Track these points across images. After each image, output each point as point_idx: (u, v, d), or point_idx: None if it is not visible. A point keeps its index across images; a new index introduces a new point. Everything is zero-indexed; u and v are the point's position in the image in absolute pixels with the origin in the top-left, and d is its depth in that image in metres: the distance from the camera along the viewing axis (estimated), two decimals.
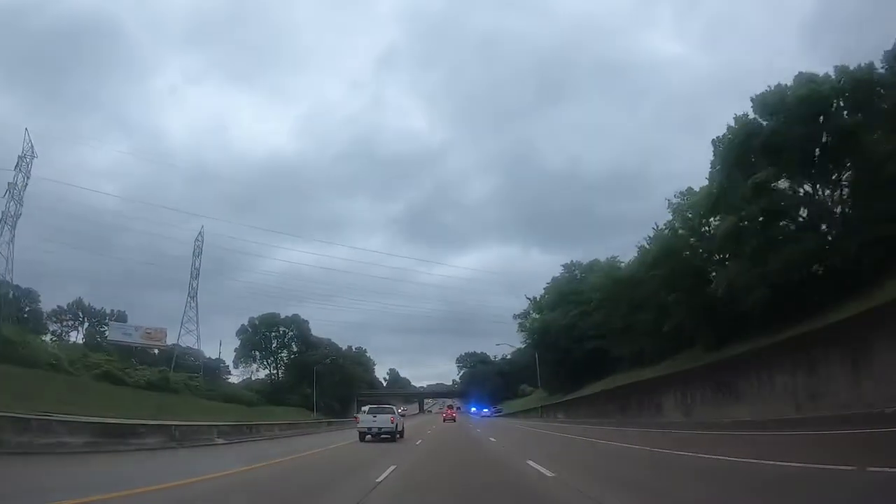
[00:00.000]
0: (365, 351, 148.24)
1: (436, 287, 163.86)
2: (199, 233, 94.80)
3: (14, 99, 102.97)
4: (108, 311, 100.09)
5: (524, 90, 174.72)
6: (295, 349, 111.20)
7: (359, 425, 23.55)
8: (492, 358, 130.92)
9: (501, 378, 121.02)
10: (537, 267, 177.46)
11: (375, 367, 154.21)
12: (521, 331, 74.13)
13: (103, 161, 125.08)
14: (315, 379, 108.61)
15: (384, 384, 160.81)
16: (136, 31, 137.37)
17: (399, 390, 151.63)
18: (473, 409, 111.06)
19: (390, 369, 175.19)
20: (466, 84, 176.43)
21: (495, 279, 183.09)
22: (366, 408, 25.81)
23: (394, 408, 26.27)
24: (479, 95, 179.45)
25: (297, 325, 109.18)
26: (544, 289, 63.74)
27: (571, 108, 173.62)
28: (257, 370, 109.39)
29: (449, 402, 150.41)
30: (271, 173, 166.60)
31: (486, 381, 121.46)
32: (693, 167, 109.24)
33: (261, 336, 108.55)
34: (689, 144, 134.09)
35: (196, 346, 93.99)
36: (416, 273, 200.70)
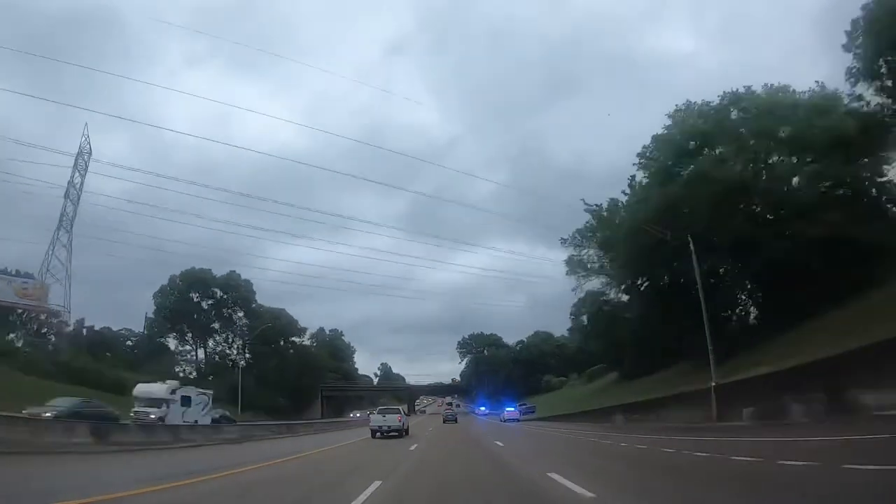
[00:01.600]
0: (341, 334, 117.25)
1: (439, 284, 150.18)
2: (84, 136, 63.90)
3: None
4: (12, 272, 68.93)
5: (534, 84, 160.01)
6: (238, 321, 79.97)
7: (371, 424, 25.82)
8: (505, 342, 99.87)
9: (518, 367, 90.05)
10: (544, 264, 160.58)
11: (358, 357, 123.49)
12: (572, 272, 43.07)
13: (103, 153, 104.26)
14: (246, 361, 77.71)
15: (374, 380, 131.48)
16: (135, 18, 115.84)
17: (385, 385, 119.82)
18: (482, 409, 79.64)
19: (382, 364, 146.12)
20: (476, 77, 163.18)
21: (501, 276, 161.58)
22: (376, 409, 31.17)
23: (401, 409, 29.54)
24: (489, 89, 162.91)
25: (236, 288, 77.92)
26: (651, 143, 31.63)
27: (580, 102, 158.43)
28: (179, 348, 77.85)
29: (448, 399, 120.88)
30: (274, 166, 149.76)
31: (499, 371, 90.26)
32: None
33: (185, 301, 77.25)
34: None
35: (65, 303, 63.17)
36: (418, 269, 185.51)
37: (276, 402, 69.26)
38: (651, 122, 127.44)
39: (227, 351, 76.12)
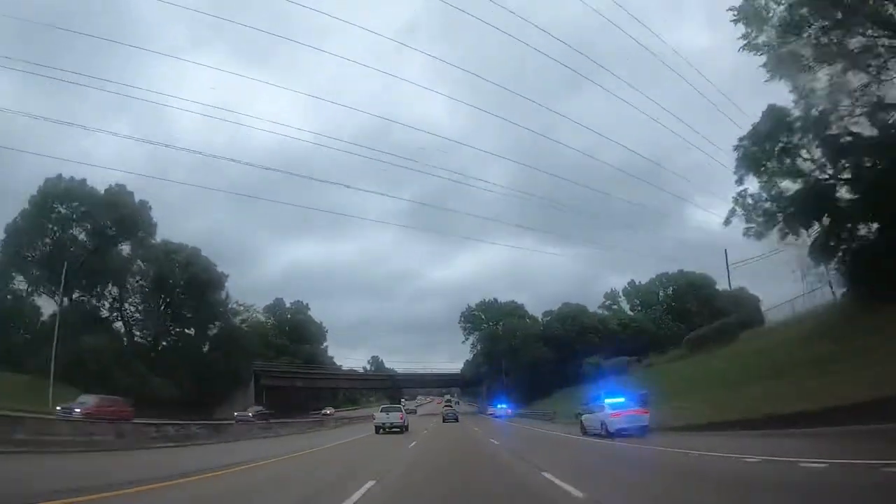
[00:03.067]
0: (306, 307, 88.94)
1: (443, 282, 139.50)
2: None
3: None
4: None
5: (547, 76, 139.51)
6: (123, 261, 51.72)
7: (375, 421, 27.93)
8: (531, 314, 71.24)
9: (549, 348, 62.10)
10: (550, 263, 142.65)
11: (355, 355, 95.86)
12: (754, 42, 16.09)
13: (103, 146, 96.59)
14: (126, 323, 49.91)
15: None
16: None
17: (364, 376, 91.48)
18: (502, 407, 52.43)
19: (372, 357, 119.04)
20: (487, 68, 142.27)
21: (506, 276, 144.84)
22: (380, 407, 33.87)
23: (401, 407, 32.22)
24: (498, 81, 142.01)
25: (119, 208, 49.85)
26: None
27: (592, 96, 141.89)
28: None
29: (447, 396, 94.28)
30: (278, 159, 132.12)
31: (523, 352, 62.19)
32: (713, 162, 68.48)
33: (43, 230, 49.33)
34: (710, 137, 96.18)
35: None
36: (422, 266, 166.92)
37: (160, 390, 41.19)
38: (663, 116, 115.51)
39: (97, 304, 48.01)
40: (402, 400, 77.23)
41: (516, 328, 65.61)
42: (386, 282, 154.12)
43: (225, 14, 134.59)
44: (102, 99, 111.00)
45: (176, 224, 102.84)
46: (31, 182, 53.01)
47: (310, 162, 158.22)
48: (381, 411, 28.94)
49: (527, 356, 60.52)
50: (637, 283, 77.81)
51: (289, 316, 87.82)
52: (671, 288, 73.45)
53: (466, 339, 74.69)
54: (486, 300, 75.51)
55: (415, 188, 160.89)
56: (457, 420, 43.13)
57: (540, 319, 68.50)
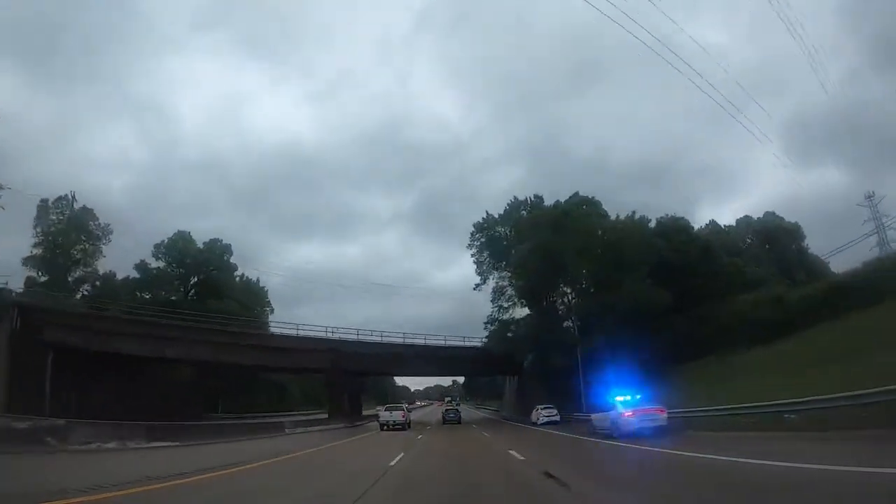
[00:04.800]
0: (227, 248, 56.66)
1: (448, 283, 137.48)
2: None
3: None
4: None
5: (555, 74, 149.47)
6: None
7: (380, 419, 30.59)
8: (611, 216, 34.88)
9: (653, 282, 29.96)
10: None
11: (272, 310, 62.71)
12: None
13: (104, 144, 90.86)
14: None
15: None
16: None
17: (254, 344, 55.20)
18: (628, 399, 16.15)
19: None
20: (496, 65, 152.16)
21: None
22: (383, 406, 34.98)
23: (404, 406, 35.01)
24: (508, 78, 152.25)
25: None
26: None
27: (600, 95, 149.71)
28: None
29: (447, 396, 67.39)
30: (283, 159, 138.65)
31: (614, 283, 29.60)
32: (720, 162, 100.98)
33: None
34: (718, 137, 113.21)
35: None
36: (427, 269, 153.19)
37: None
38: (674, 115, 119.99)
39: None
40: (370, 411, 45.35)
41: (591, 232, 31.79)
42: (388, 283, 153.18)
43: (227, 11, 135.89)
44: (102, 97, 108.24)
45: (177, 224, 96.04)
46: None
47: (314, 162, 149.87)
48: (385, 410, 31.38)
49: (628, 296, 28.19)
50: (721, 226, 51.95)
51: (195, 256, 55.03)
52: (751, 237, 51.76)
53: (483, 280, 39.41)
54: (520, 199, 41.21)
55: (419, 187, 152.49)
56: (459, 421, 36.16)
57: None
